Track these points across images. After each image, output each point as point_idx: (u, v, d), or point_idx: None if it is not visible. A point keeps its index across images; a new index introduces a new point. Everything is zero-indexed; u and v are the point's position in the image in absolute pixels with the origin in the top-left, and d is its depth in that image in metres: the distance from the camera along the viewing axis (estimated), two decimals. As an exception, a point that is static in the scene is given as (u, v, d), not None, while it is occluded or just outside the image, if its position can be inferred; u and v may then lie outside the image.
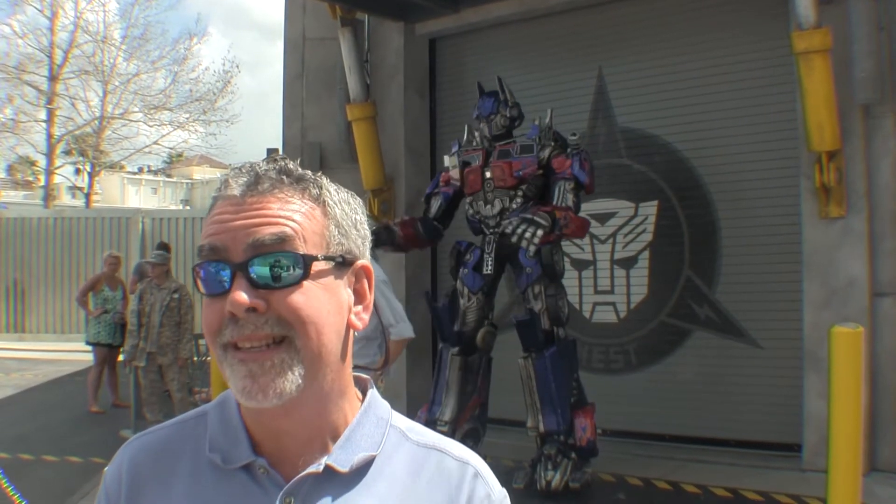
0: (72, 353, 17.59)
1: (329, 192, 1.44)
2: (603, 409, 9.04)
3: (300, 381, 1.33)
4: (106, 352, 12.62)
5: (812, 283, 8.05)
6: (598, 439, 7.69)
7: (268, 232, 1.34)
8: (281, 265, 1.33)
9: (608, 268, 9.81)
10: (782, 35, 8.03)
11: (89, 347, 12.88)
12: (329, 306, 1.38)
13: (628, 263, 9.67)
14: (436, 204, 8.03)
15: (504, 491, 1.52)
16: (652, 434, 9.31)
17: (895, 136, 7.67)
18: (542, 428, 7.24)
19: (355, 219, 1.47)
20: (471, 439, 7.49)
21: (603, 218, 9.69)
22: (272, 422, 1.40)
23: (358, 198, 1.51)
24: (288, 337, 1.33)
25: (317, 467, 1.38)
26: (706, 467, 8.34)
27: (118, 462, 1.52)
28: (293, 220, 1.36)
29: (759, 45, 8.78)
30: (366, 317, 1.47)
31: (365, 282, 1.48)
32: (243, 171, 1.41)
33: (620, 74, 9.78)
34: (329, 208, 1.42)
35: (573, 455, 7.27)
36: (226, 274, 1.34)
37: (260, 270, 1.33)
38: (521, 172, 7.35)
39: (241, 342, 1.32)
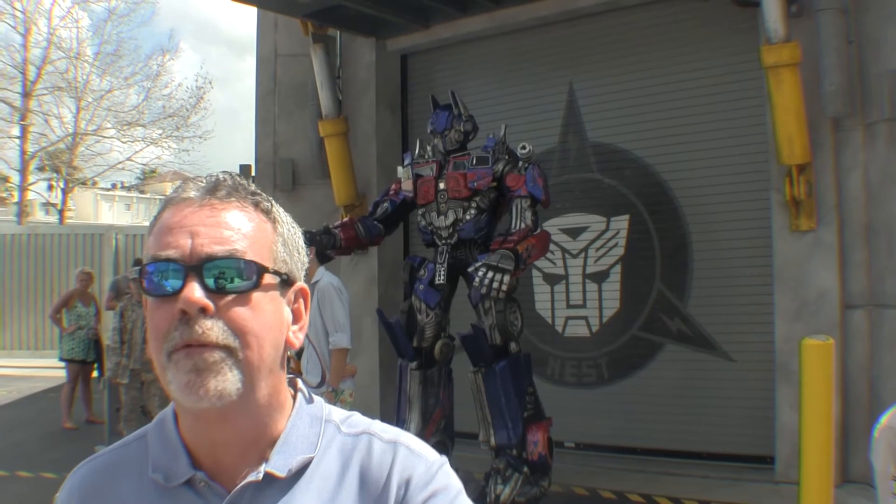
0: (45, 369, 17.48)
1: (279, 211, 1.47)
2: (575, 422, 9.02)
3: (240, 385, 1.33)
4: (79, 368, 12.57)
5: (783, 295, 8.09)
6: (556, 453, 7.58)
7: (224, 237, 1.36)
8: (234, 271, 1.35)
9: (580, 282, 9.81)
10: (752, 49, 8.07)
11: (63, 364, 12.82)
12: (272, 321, 1.40)
13: (600, 277, 9.67)
14: (381, 208, 8.00)
15: (443, 458, 1.56)
16: (624, 447, 9.30)
17: (864, 148, 7.72)
18: (493, 442, 7.19)
19: (298, 243, 1.50)
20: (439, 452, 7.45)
21: (574, 232, 9.72)
22: (209, 430, 1.40)
23: (299, 227, 1.54)
24: (231, 348, 1.33)
25: (256, 475, 1.39)
26: (679, 480, 8.35)
27: (67, 489, 1.54)
28: (248, 230, 1.39)
29: (728, 59, 8.82)
30: (301, 336, 1.49)
31: (302, 302, 1.50)
32: (198, 179, 1.42)
33: (591, 89, 9.80)
34: (279, 226, 1.45)
35: (525, 469, 7.20)
36: (178, 275, 1.34)
37: (214, 274, 1.34)
38: (475, 184, 7.32)
39: (189, 343, 1.32)
